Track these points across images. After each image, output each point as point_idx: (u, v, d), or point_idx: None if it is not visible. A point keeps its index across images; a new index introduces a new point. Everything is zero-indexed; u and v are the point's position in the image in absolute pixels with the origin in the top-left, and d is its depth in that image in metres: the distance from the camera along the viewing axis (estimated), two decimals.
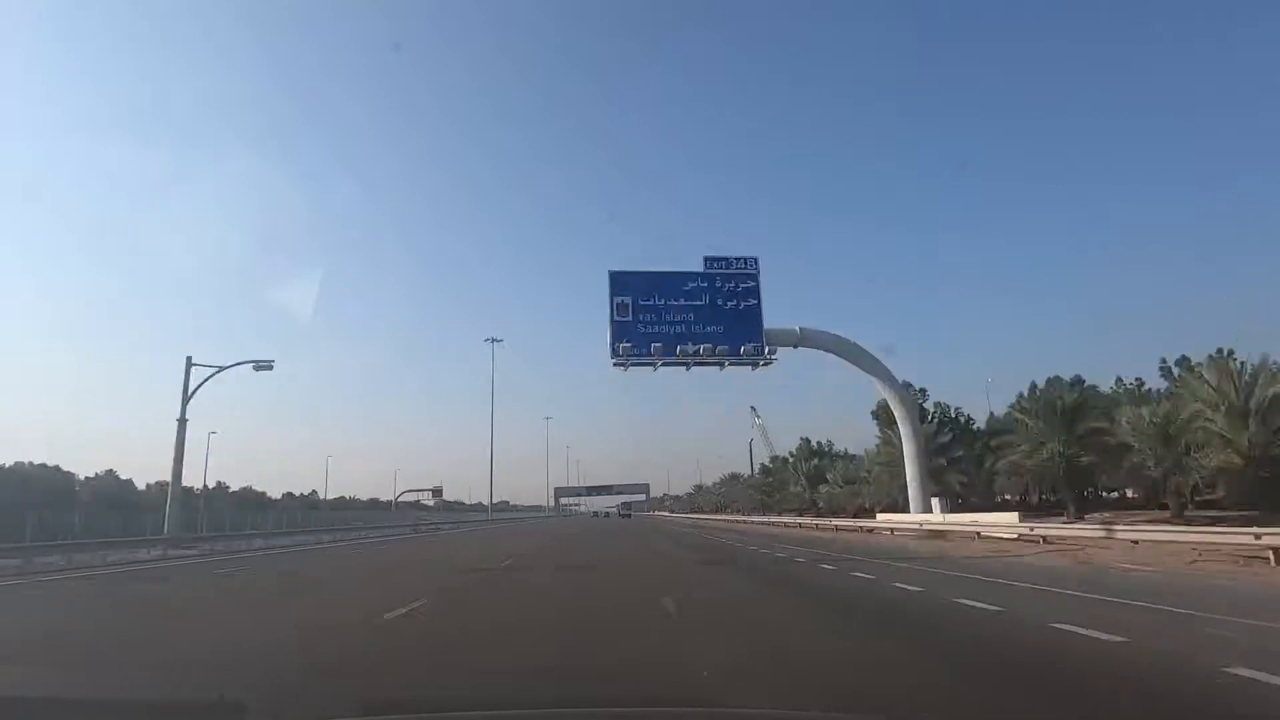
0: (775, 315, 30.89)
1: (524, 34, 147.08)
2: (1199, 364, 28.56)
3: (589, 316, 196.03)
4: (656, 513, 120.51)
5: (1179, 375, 31.80)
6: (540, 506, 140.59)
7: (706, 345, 29.74)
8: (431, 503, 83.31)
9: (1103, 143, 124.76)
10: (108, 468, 72.69)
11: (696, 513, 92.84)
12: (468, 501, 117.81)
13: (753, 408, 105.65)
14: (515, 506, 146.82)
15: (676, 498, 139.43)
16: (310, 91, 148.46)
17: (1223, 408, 24.66)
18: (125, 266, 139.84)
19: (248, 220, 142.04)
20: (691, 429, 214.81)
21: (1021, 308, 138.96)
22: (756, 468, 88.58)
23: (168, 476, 30.22)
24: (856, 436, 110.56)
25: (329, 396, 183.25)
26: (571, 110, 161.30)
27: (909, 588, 10.31)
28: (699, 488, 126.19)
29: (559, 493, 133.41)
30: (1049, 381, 36.00)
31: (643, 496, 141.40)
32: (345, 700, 4.75)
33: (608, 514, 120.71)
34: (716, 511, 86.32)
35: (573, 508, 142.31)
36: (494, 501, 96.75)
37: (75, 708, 3.80)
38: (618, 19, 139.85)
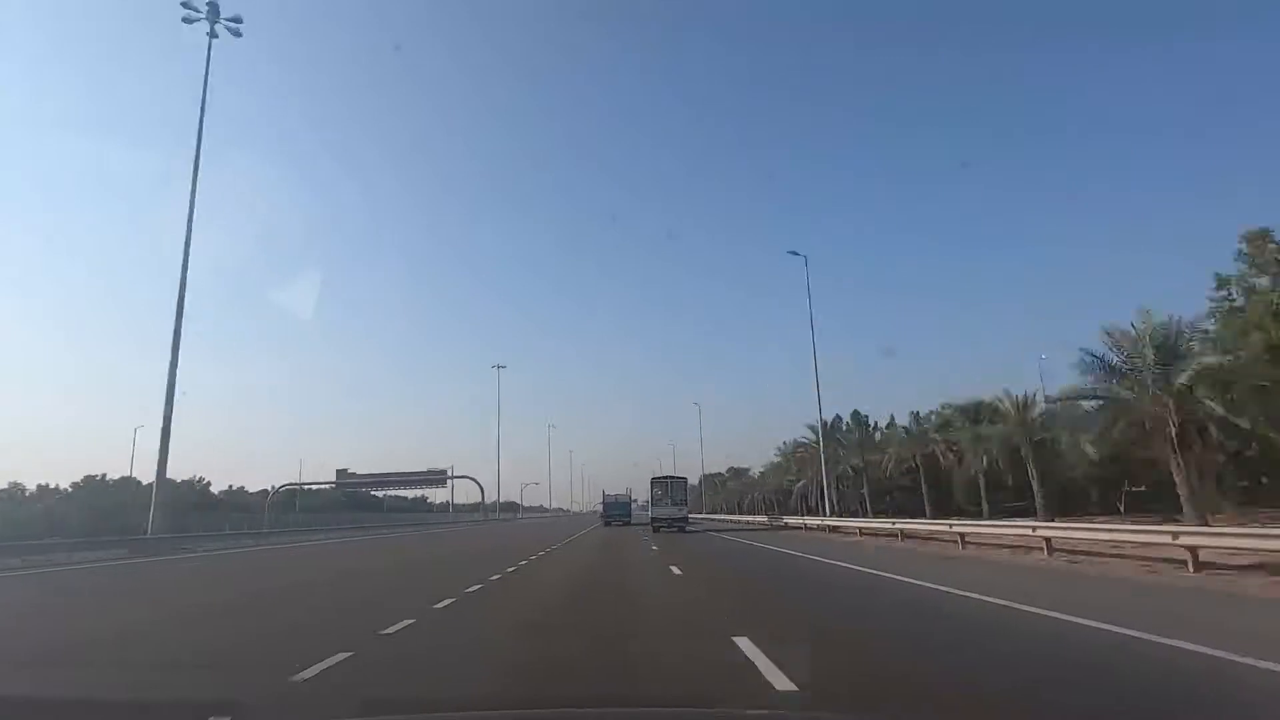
0: None
1: (524, 34, 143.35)
2: None
3: (585, 316, 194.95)
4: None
5: None
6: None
7: None
8: None
9: None
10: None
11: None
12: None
13: None
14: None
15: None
16: (310, 92, 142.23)
17: None
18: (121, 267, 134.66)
19: (247, 221, 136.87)
20: None
21: None
22: None
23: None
24: None
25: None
26: (572, 111, 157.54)
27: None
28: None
29: None
30: None
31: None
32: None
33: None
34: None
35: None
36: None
37: None
38: (623, 21, 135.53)
